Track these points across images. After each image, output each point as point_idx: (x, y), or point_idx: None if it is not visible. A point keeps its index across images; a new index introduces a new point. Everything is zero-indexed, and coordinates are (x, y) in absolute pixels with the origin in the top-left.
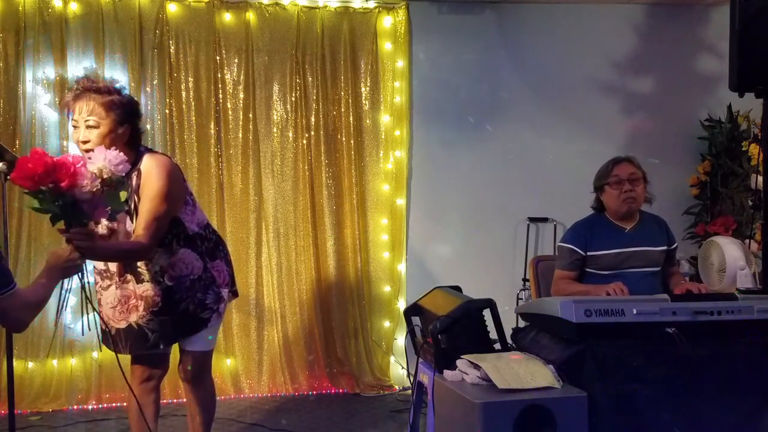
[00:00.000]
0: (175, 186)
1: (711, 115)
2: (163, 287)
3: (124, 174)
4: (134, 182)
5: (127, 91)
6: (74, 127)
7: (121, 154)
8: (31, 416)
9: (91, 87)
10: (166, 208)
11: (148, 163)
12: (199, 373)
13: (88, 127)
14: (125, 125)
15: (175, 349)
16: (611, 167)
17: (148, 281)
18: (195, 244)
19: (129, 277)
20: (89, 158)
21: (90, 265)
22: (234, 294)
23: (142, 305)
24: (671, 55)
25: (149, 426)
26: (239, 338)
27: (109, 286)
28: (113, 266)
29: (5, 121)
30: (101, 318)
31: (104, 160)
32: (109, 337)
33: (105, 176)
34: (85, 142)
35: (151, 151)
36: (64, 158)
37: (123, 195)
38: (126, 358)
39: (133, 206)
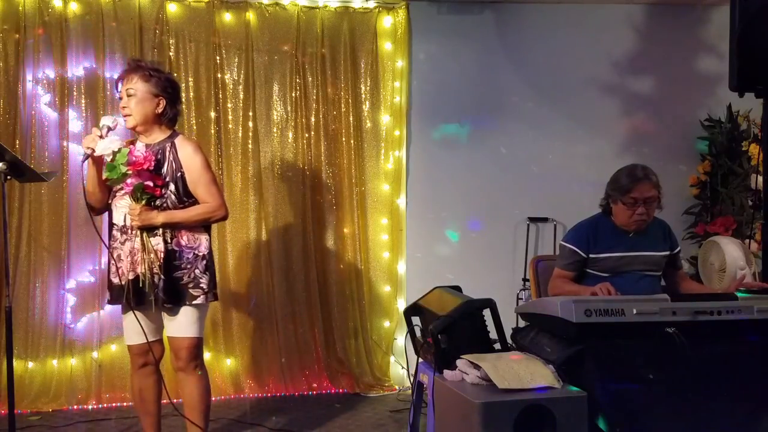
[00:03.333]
0: (207, 159)
1: (711, 115)
2: (168, 248)
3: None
4: (169, 156)
5: (171, 75)
6: (120, 98)
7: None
8: (31, 416)
9: (136, 64)
10: (213, 174)
11: (182, 142)
12: (192, 361)
13: (128, 95)
14: (159, 98)
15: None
16: (631, 186)
17: (159, 236)
18: (208, 225)
19: (138, 231)
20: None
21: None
22: (214, 296)
23: (151, 257)
24: (671, 55)
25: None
26: (239, 338)
27: (126, 240)
28: (129, 221)
29: (5, 121)
30: (118, 272)
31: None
32: (124, 290)
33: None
34: (124, 107)
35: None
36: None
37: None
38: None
39: (169, 177)
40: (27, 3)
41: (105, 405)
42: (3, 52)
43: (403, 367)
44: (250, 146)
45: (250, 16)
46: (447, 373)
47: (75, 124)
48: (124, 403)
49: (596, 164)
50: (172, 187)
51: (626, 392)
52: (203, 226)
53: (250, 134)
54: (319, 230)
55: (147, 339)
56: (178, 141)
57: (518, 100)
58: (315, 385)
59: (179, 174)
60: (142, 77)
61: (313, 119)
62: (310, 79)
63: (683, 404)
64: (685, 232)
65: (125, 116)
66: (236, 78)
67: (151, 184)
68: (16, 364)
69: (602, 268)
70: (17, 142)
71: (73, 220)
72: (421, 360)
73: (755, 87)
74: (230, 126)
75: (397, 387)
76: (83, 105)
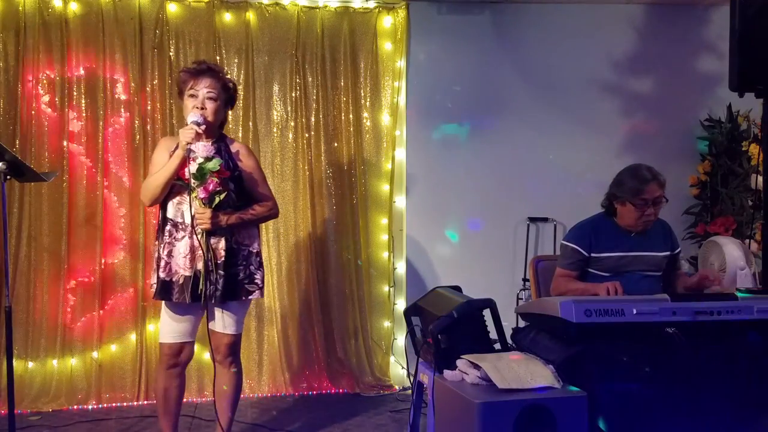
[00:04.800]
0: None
1: (711, 115)
2: (228, 246)
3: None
4: (224, 157)
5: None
6: (192, 96)
7: (207, 143)
8: (31, 416)
9: (213, 68)
10: (264, 174)
11: (234, 144)
12: (232, 354)
13: (208, 98)
14: (227, 107)
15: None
16: (642, 188)
17: (221, 235)
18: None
19: (200, 229)
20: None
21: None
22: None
23: (211, 254)
24: (671, 55)
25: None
26: None
27: (183, 237)
28: (187, 218)
29: (5, 121)
30: (167, 269)
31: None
32: (172, 286)
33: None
34: (202, 108)
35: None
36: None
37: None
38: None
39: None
40: (27, 3)
41: (105, 405)
42: (3, 52)
43: (403, 367)
44: (250, 146)
45: (250, 16)
46: (447, 373)
47: (75, 124)
48: (124, 403)
49: (596, 164)
50: (231, 185)
51: (626, 392)
52: (256, 225)
53: (250, 134)
54: (319, 230)
55: (183, 339)
56: (229, 142)
57: (518, 100)
58: (315, 385)
59: (236, 174)
60: (224, 86)
61: (313, 119)
62: (310, 79)
63: (683, 404)
64: (685, 232)
65: (201, 116)
66: (236, 78)
67: (225, 192)
68: (16, 364)
69: (603, 267)
70: (17, 142)
71: (73, 220)
72: (421, 360)
73: (755, 87)
74: (230, 126)
75: (397, 387)
76: (83, 105)
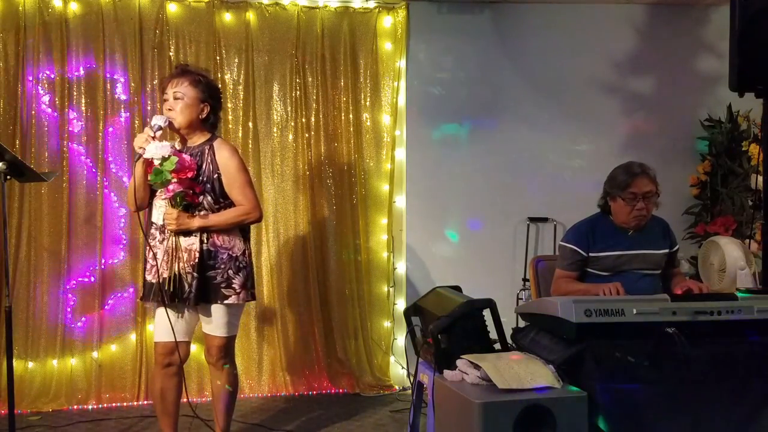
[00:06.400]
0: (244, 162)
1: (711, 115)
2: (203, 248)
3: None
4: (207, 158)
5: (215, 83)
6: (165, 100)
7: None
8: (31, 416)
9: (184, 69)
10: (248, 176)
11: (219, 145)
12: (224, 357)
13: (175, 98)
14: (205, 103)
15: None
16: (629, 181)
17: (195, 236)
18: (244, 227)
19: (168, 231)
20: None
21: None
22: (251, 296)
23: (185, 257)
24: (671, 55)
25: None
26: (239, 338)
27: (164, 239)
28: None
29: (5, 121)
30: (152, 271)
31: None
32: (157, 288)
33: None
34: (169, 110)
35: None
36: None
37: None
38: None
39: (205, 178)
40: (27, 3)
41: (105, 405)
42: (3, 52)
43: (403, 367)
44: (250, 146)
45: (250, 16)
46: (447, 373)
47: (75, 124)
48: (124, 403)
49: (596, 164)
50: (208, 187)
51: (626, 392)
52: (239, 227)
53: (250, 134)
54: (319, 230)
55: (175, 338)
56: (216, 144)
57: (518, 99)
58: (315, 385)
59: (216, 176)
60: (191, 82)
61: (313, 119)
62: (310, 79)
63: (683, 404)
64: (685, 232)
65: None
66: (236, 78)
67: (190, 191)
68: (16, 364)
69: (602, 267)
70: (17, 142)
71: (73, 220)
72: (421, 360)
73: (755, 87)
74: (230, 126)
75: (397, 387)
76: (83, 105)
